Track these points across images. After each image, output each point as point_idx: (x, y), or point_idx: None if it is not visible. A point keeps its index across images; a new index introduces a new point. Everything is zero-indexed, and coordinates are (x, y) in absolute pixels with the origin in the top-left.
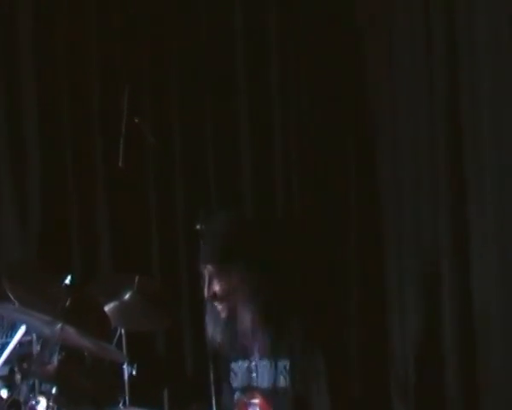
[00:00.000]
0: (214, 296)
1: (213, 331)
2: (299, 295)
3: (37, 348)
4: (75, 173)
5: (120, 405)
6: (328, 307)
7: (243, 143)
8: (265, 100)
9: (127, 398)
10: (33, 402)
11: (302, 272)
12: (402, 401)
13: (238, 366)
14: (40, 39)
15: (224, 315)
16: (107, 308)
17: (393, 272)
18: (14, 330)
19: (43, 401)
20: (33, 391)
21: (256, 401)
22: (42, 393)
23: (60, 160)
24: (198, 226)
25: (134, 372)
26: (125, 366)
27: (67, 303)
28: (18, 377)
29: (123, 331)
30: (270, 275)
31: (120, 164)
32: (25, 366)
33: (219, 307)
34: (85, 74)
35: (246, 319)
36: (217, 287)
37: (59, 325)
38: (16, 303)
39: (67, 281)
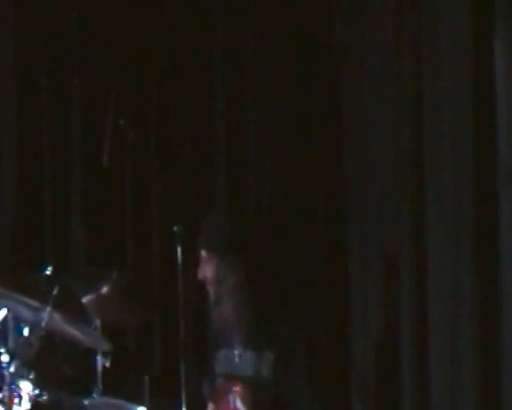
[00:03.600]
0: (205, 280)
1: (210, 316)
2: (284, 287)
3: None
4: (51, 164)
5: (94, 395)
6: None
7: (220, 143)
8: (241, 99)
9: (100, 388)
10: (14, 386)
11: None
12: (360, 399)
13: (223, 354)
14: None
15: (211, 300)
16: (84, 300)
17: (356, 266)
18: None
19: (24, 384)
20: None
21: (237, 388)
22: (21, 376)
23: (37, 150)
24: (175, 228)
25: (107, 364)
26: (98, 357)
27: (55, 291)
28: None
29: (98, 323)
30: (257, 266)
31: (104, 161)
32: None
33: (211, 291)
34: (66, 68)
35: (230, 308)
36: (207, 272)
37: (46, 312)
38: None
39: (48, 272)
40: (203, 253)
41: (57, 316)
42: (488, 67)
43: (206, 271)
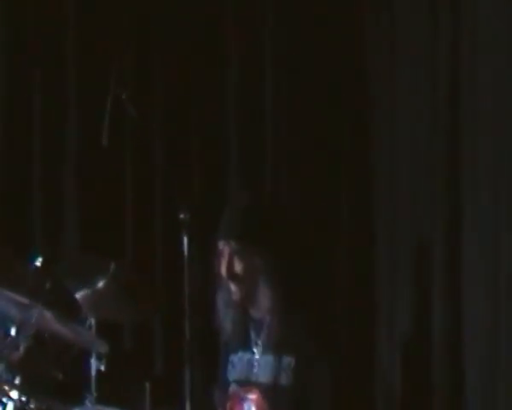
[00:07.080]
0: (233, 276)
1: (223, 316)
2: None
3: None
4: (42, 141)
5: (87, 402)
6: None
7: (231, 120)
8: (256, 83)
9: (94, 395)
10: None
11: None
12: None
13: (238, 358)
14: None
15: (237, 297)
16: (77, 295)
17: (384, 258)
18: None
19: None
20: None
21: (253, 396)
22: (5, 381)
23: (27, 127)
24: (182, 216)
25: (102, 367)
26: (92, 360)
27: (47, 286)
28: None
29: (93, 322)
30: (293, 260)
31: (104, 142)
32: None
33: (234, 288)
34: (63, 46)
35: (263, 304)
36: (238, 266)
37: (37, 309)
38: None
39: (38, 263)
40: (233, 243)
41: (48, 314)
42: None
43: (237, 263)
